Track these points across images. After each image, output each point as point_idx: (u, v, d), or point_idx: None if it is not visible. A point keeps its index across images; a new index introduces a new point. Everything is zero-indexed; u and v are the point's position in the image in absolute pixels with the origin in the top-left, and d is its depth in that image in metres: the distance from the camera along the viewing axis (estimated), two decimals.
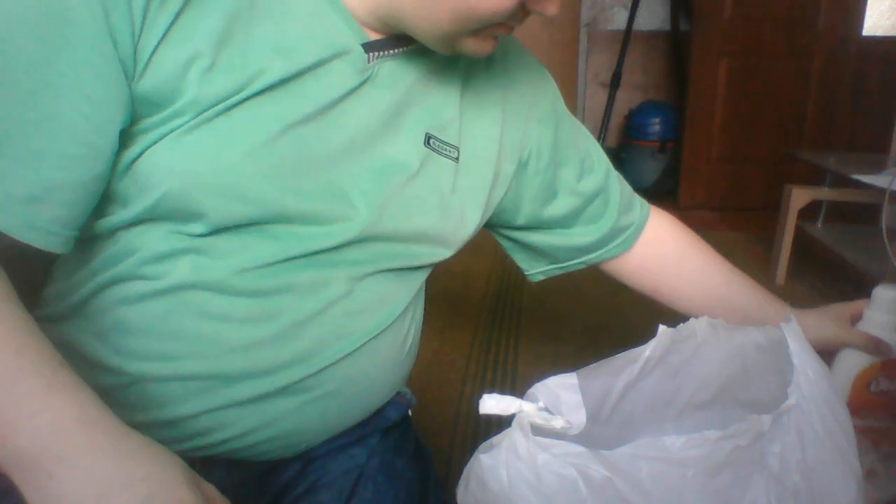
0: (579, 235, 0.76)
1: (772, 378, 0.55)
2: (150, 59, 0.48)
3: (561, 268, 0.80)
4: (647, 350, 0.58)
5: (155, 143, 0.49)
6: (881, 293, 0.62)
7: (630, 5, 3.51)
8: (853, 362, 0.62)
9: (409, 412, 0.74)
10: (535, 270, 0.81)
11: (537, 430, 0.46)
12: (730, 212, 3.18)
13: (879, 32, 3.00)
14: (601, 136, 3.66)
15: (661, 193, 3.42)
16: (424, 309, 0.73)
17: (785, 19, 3.03)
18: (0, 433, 0.39)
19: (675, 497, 0.43)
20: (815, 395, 0.47)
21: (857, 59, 2.98)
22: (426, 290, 0.72)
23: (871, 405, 0.61)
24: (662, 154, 3.40)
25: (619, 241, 0.77)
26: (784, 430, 0.46)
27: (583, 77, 3.64)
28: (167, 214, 0.51)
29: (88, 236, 0.53)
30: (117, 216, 0.52)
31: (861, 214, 2.21)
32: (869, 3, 2.94)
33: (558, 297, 2.08)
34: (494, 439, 0.47)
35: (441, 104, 0.61)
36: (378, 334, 0.59)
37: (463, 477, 0.49)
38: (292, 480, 0.62)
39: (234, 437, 0.55)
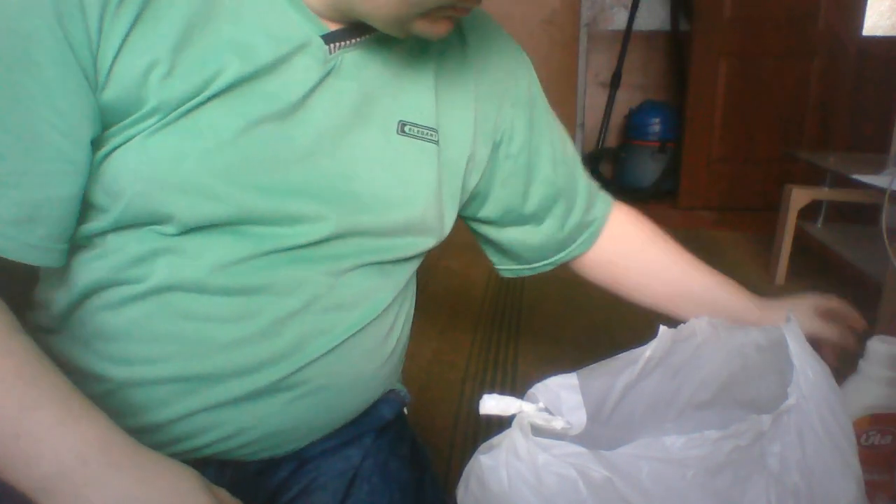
0: (550, 231, 0.74)
1: (772, 378, 0.55)
2: (110, 70, 0.48)
3: (531, 269, 0.78)
4: (648, 350, 0.57)
5: (119, 147, 0.49)
6: (875, 346, 0.62)
7: (630, 5, 3.51)
8: None
9: (405, 410, 0.74)
10: (505, 267, 0.79)
11: (537, 431, 0.46)
12: (730, 212, 3.18)
13: (879, 32, 3.00)
14: (601, 136, 3.67)
15: (661, 193, 3.42)
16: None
17: (785, 19, 3.03)
18: (24, 461, 0.41)
19: (675, 497, 0.43)
20: (814, 395, 0.47)
21: (857, 59, 2.98)
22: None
23: (863, 458, 0.62)
24: (662, 154, 3.40)
25: (584, 236, 0.76)
26: (784, 430, 0.46)
27: (583, 77, 3.64)
28: (139, 218, 0.51)
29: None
30: (92, 223, 0.52)
31: (861, 214, 2.22)
32: (869, 3, 2.94)
33: (558, 297, 2.08)
34: (494, 440, 0.47)
35: (414, 90, 0.60)
36: (361, 329, 0.59)
37: (463, 477, 0.49)
38: (286, 481, 0.62)
39: (222, 439, 0.55)
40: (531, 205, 0.72)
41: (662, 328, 0.58)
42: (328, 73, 0.55)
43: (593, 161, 3.65)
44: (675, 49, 3.51)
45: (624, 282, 0.79)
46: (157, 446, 0.54)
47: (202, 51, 0.50)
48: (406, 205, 0.59)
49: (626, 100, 3.61)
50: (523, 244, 0.75)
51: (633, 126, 3.50)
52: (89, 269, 0.53)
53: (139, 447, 0.44)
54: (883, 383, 0.62)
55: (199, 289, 0.52)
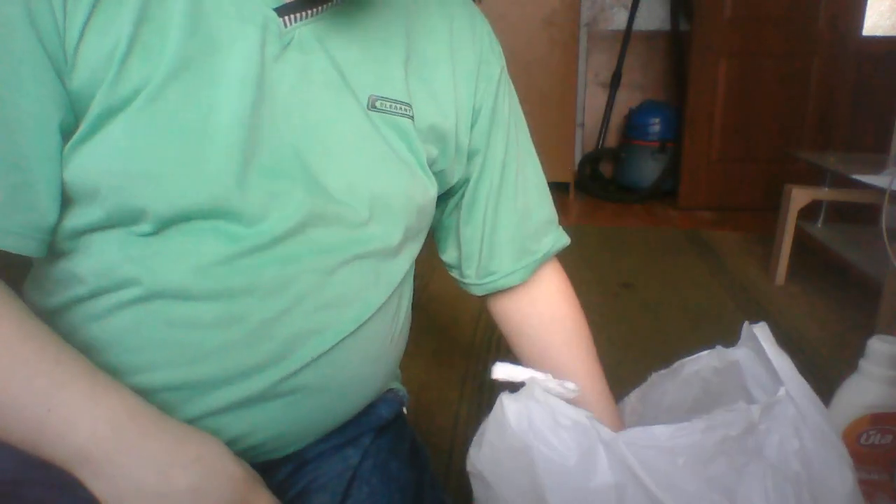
0: (503, 230, 0.69)
1: (735, 396, 0.56)
2: (75, 54, 0.47)
3: (461, 276, 0.73)
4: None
5: (90, 139, 0.49)
6: (875, 346, 0.62)
7: (630, 5, 3.51)
8: (843, 415, 0.63)
9: (404, 410, 0.73)
10: (447, 256, 0.74)
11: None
12: (730, 212, 3.18)
13: (879, 32, 3.00)
14: (601, 136, 3.67)
15: (661, 193, 3.42)
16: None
17: (785, 19, 3.03)
18: (58, 434, 0.43)
19: (669, 481, 0.44)
20: (797, 389, 0.49)
21: (857, 59, 2.98)
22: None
23: (863, 458, 0.62)
24: (662, 154, 3.40)
25: (524, 263, 0.70)
26: (779, 421, 0.47)
27: (583, 77, 3.64)
28: (114, 217, 0.50)
29: (44, 260, 0.53)
30: (71, 221, 0.51)
31: (861, 214, 2.22)
32: (869, 3, 2.94)
33: None
34: (513, 395, 0.51)
35: (383, 63, 0.58)
36: (356, 329, 0.58)
37: (476, 437, 0.53)
38: (285, 482, 0.61)
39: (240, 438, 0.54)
40: (483, 188, 0.68)
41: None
42: (287, 47, 0.53)
43: (593, 161, 3.65)
44: (675, 49, 3.51)
45: (518, 339, 0.76)
46: None
47: (162, 29, 0.49)
48: (381, 180, 0.57)
49: (626, 100, 3.61)
50: (472, 238, 0.70)
51: (633, 126, 3.50)
52: (74, 275, 0.52)
53: (166, 416, 0.47)
54: (883, 383, 0.62)
55: (182, 294, 0.51)
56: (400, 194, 0.58)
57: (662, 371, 0.63)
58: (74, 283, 0.52)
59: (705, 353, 0.60)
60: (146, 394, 0.51)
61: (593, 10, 3.62)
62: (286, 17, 0.53)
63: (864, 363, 0.63)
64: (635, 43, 3.56)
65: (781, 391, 0.47)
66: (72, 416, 0.44)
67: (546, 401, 0.48)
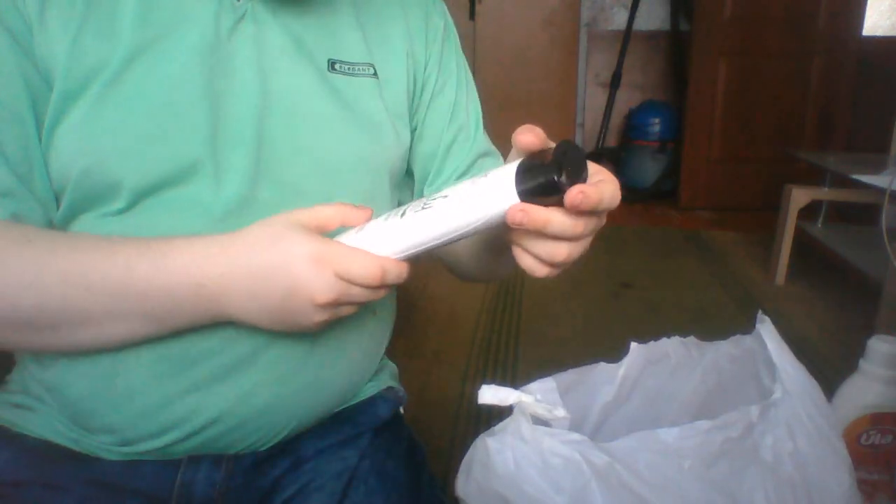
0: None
1: (749, 388, 0.56)
2: (39, 45, 0.50)
3: None
4: (622, 369, 0.59)
5: (55, 128, 0.51)
6: (875, 346, 0.62)
7: (630, 5, 3.51)
8: (843, 415, 0.63)
9: (402, 409, 0.73)
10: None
11: (536, 420, 0.47)
12: (730, 212, 3.18)
13: (879, 32, 3.00)
14: (601, 136, 3.67)
15: (661, 193, 3.42)
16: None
17: (785, 19, 3.03)
18: (174, 278, 0.48)
19: (674, 487, 0.43)
20: (797, 389, 0.48)
21: (857, 59, 2.98)
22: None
23: (863, 458, 0.62)
24: (662, 154, 3.40)
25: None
26: (774, 423, 0.46)
27: (583, 77, 3.64)
28: (88, 199, 0.52)
29: None
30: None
31: (861, 214, 2.22)
32: (869, 3, 2.94)
33: (558, 298, 2.08)
34: (497, 426, 0.48)
35: (338, 28, 0.61)
36: None
37: (463, 465, 0.50)
38: (281, 480, 0.61)
39: (209, 424, 0.55)
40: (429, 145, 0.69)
41: (633, 345, 0.59)
42: (241, 19, 0.55)
43: (593, 161, 3.64)
44: (675, 49, 3.51)
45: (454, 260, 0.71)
46: (147, 438, 0.55)
47: (112, 9, 0.52)
48: (331, 142, 0.58)
49: (626, 100, 3.61)
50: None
51: (633, 126, 3.50)
52: None
53: (241, 231, 0.49)
54: (883, 383, 0.62)
55: None
56: (351, 156, 0.59)
57: (679, 355, 0.60)
58: None
59: (724, 341, 0.59)
60: (134, 366, 0.53)
61: (593, 10, 3.62)
62: None
63: (864, 363, 0.63)
64: (635, 43, 3.55)
65: (777, 392, 0.47)
66: (173, 263, 0.48)
67: (533, 437, 0.44)
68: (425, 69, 0.67)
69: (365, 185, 0.61)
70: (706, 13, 3.06)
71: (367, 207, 0.51)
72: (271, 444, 0.60)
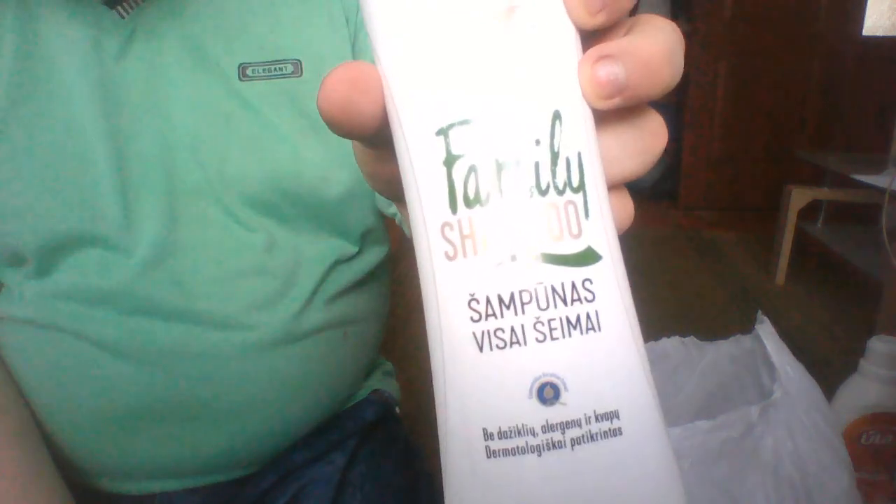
0: None
1: (749, 388, 0.56)
2: None
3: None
4: None
5: None
6: (875, 346, 0.62)
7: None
8: (843, 415, 0.63)
9: (397, 410, 0.70)
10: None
11: None
12: (730, 212, 3.18)
13: (879, 32, 3.00)
14: None
15: (661, 193, 3.42)
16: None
17: (785, 19, 3.03)
18: None
19: None
20: (797, 389, 0.48)
21: (857, 59, 2.98)
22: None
23: (863, 458, 0.62)
24: (662, 154, 3.40)
25: None
26: (773, 424, 0.46)
27: None
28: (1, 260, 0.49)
29: None
30: None
31: (861, 214, 2.21)
32: (869, 3, 2.94)
33: None
34: None
35: (246, 25, 0.50)
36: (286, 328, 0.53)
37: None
38: (270, 492, 0.57)
39: (173, 472, 0.53)
40: None
41: None
42: (129, 40, 0.47)
43: None
44: None
45: None
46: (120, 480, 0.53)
47: None
48: (250, 165, 0.50)
49: None
50: None
51: None
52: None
53: None
54: (883, 383, 0.62)
55: (80, 332, 0.49)
56: (275, 177, 0.51)
57: (679, 355, 0.60)
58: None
59: (723, 340, 0.59)
60: (101, 423, 0.50)
61: None
62: (120, 7, 0.47)
63: (864, 363, 0.63)
64: None
65: (777, 392, 0.47)
66: None
67: None
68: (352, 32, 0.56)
69: (308, 202, 0.53)
70: (706, 13, 3.06)
71: None
72: (252, 470, 0.58)
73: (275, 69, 0.50)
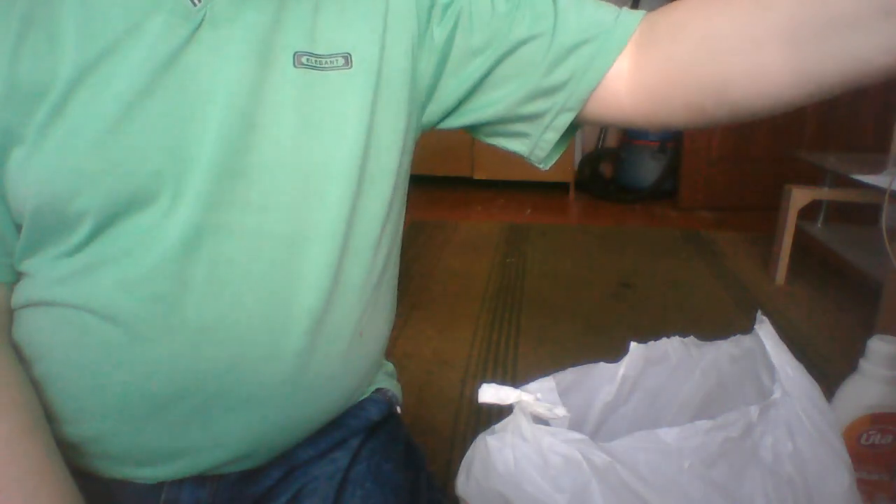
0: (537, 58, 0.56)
1: (749, 388, 0.56)
2: None
3: (549, 129, 0.58)
4: (622, 368, 0.59)
5: (4, 164, 0.49)
6: (875, 346, 0.62)
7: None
8: (843, 415, 0.63)
9: (398, 409, 0.71)
10: (534, 147, 0.60)
11: (536, 420, 0.47)
12: (730, 212, 3.18)
13: None
14: (601, 136, 3.66)
15: (661, 193, 3.42)
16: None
17: None
18: None
19: (675, 487, 0.43)
20: (796, 390, 0.48)
21: None
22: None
23: (863, 458, 0.62)
24: (662, 154, 3.40)
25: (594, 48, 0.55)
26: (773, 423, 0.46)
27: None
28: (42, 234, 0.50)
29: None
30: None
31: (861, 214, 2.22)
32: None
33: (558, 297, 2.08)
34: (497, 425, 0.48)
35: (306, 17, 0.54)
36: (318, 319, 0.54)
37: (464, 464, 0.50)
38: (274, 489, 0.59)
39: (186, 463, 0.53)
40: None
41: (633, 345, 0.59)
42: (199, 27, 0.50)
43: (593, 161, 3.65)
44: None
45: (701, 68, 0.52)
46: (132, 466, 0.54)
47: (51, 31, 0.48)
48: (307, 149, 0.52)
49: None
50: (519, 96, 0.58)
51: None
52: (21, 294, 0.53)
53: None
54: (883, 383, 0.62)
55: (111, 309, 0.50)
56: (333, 161, 0.53)
57: (679, 355, 0.60)
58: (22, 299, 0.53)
59: (723, 341, 0.59)
60: (127, 407, 0.51)
61: None
62: None
63: (864, 363, 0.63)
64: None
65: (777, 392, 0.47)
66: None
67: (534, 436, 0.44)
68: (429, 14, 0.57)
69: (344, 192, 0.54)
70: None
71: None
72: (259, 465, 0.58)
73: (326, 62, 0.53)
